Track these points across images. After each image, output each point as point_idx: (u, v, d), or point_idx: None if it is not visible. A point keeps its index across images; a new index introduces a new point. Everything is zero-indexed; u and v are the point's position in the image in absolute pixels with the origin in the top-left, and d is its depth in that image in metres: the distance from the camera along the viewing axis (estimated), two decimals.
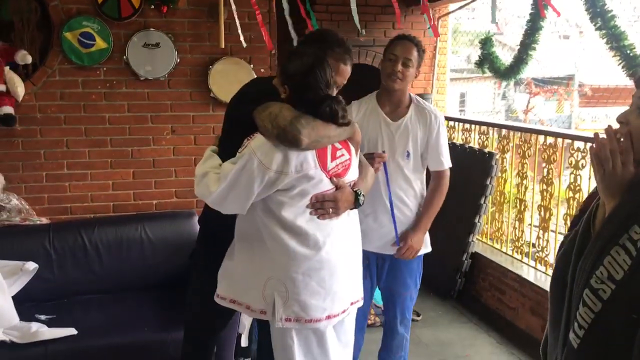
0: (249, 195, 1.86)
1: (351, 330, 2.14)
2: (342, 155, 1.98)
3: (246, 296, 2.00)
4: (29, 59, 3.19)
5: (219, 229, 2.17)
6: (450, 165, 2.66)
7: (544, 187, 3.69)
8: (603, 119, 17.29)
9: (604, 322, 1.14)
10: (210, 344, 2.48)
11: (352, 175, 2.04)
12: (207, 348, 2.46)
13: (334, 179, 1.95)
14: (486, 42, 4.43)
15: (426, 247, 2.67)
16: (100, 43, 3.33)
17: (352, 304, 2.09)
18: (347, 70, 2.13)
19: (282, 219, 1.90)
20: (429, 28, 3.98)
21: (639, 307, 1.08)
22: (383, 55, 2.56)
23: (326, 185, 1.94)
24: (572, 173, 3.40)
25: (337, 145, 1.96)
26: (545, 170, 3.68)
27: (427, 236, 2.64)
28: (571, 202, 3.41)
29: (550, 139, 3.68)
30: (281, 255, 1.92)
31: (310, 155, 1.87)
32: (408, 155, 2.53)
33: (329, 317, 1.98)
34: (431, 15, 3.74)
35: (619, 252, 1.13)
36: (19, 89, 3.19)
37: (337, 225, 1.99)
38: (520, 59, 4.05)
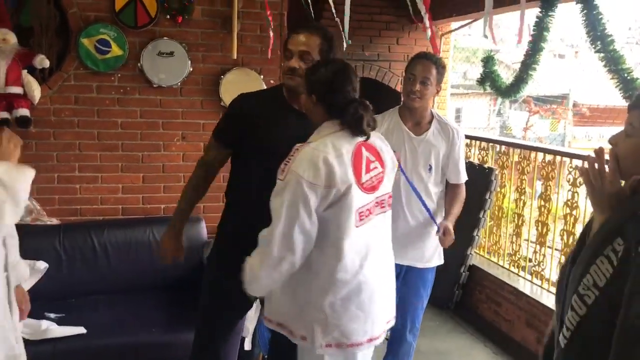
0: (311, 216, 1.82)
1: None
2: (376, 167, 1.97)
3: (290, 321, 1.98)
4: (47, 64, 3.25)
5: (233, 235, 2.27)
6: (467, 179, 2.77)
7: (542, 203, 3.79)
8: (597, 138, 17.50)
9: (588, 325, 1.26)
10: (218, 345, 2.53)
11: (385, 187, 2.02)
12: (215, 351, 2.50)
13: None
14: (488, 61, 4.54)
15: (440, 259, 2.76)
16: (115, 50, 3.41)
17: (387, 322, 2.09)
18: (297, 38, 2.13)
19: (324, 241, 1.88)
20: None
21: (618, 312, 1.19)
22: (404, 72, 2.65)
23: (364, 199, 1.92)
24: (569, 190, 3.50)
25: (371, 157, 1.96)
26: (543, 186, 3.79)
27: (440, 248, 2.73)
28: (568, 218, 3.51)
29: (549, 157, 3.80)
30: (320, 281, 1.90)
31: (349, 167, 1.87)
32: (430, 168, 2.63)
33: (370, 340, 1.97)
34: (434, 31, 3.84)
35: (603, 261, 1.24)
36: (36, 92, 3.26)
37: (374, 245, 1.97)
38: (521, 78, 4.15)
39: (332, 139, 1.90)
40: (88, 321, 2.91)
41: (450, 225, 2.62)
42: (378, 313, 1.99)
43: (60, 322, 2.91)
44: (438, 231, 2.59)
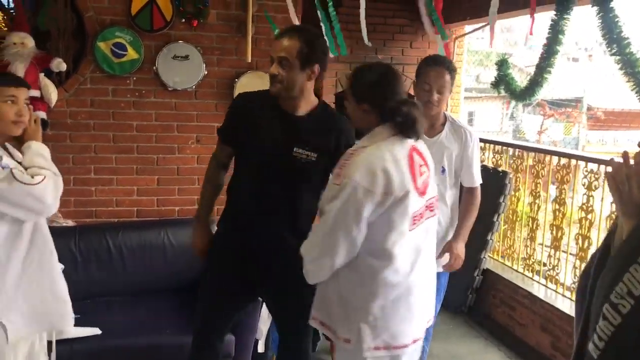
0: (359, 224, 1.81)
1: None
2: (425, 172, 1.95)
3: (335, 322, 1.96)
4: (64, 67, 3.30)
5: (232, 230, 2.32)
6: (481, 182, 2.75)
7: (557, 206, 3.77)
8: (611, 142, 17.35)
9: (623, 335, 1.20)
10: (217, 345, 2.53)
11: (432, 191, 2.00)
12: (213, 350, 2.53)
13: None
14: (502, 64, 4.52)
15: None
16: (131, 53, 3.44)
17: (428, 322, 2.08)
18: (278, 43, 2.12)
19: (378, 245, 1.86)
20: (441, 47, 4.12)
21: None
22: (416, 77, 2.63)
23: (419, 203, 1.90)
24: (584, 194, 3.48)
25: (420, 161, 1.93)
26: (558, 190, 3.76)
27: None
28: (583, 222, 3.48)
29: (564, 160, 3.77)
30: (369, 285, 1.88)
31: (407, 173, 1.85)
32: (443, 170, 2.61)
33: (414, 341, 1.97)
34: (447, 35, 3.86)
35: (637, 269, 1.19)
36: (53, 95, 3.30)
37: (424, 248, 1.95)
38: (536, 81, 4.12)
39: (387, 144, 1.87)
40: (103, 322, 2.93)
41: (460, 245, 2.60)
42: (422, 314, 1.99)
43: (76, 322, 2.92)
44: (441, 255, 2.57)
